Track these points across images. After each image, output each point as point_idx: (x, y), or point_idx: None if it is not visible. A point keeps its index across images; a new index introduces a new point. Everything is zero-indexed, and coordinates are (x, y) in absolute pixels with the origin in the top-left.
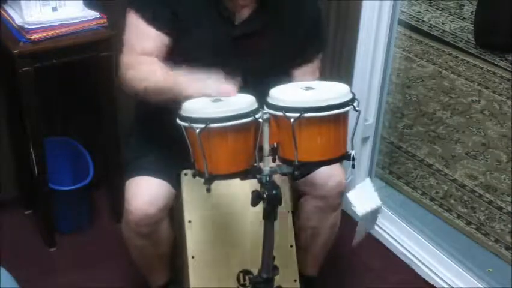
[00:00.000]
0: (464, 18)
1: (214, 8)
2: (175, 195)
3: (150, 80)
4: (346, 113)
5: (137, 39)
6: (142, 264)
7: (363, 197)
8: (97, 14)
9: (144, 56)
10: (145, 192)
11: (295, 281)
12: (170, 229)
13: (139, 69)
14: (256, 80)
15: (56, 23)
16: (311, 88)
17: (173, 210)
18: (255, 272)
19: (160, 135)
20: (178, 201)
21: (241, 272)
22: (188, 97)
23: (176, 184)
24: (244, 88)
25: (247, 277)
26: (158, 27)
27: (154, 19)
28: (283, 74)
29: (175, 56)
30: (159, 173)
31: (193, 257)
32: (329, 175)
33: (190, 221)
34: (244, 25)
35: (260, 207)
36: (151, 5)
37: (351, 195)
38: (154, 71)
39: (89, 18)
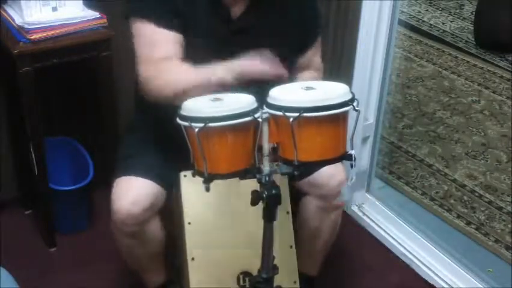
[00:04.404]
0: (464, 18)
1: (210, 4)
2: (167, 195)
3: (178, 84)
4: (346, 112)
5: (152, 46)
6: (133, 263)
7: None
8: (97, 14)
9: (163, 62)
10: (129, 192)
11: (295, 281)
12: (160, 229)
13: (161, 77)
14: None
15: (56, 23)
16: (311, 88)
17: (171, 211)
18: (255, 273)
19: (157, 136)
20: (176, 202)
21: (241, 273)
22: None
23: (168, 185)
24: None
25: (247, 278)
26: (169, 26)
27: (162, 18)
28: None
29: None
30: (147, 173)
31: (192, 259)
32: (330, 175)
33: (189, 223)
34: (241, 19)
35: (260, 207)
36: (154, 7)
37: None
38: (180, 73)
39: (89, 18)
